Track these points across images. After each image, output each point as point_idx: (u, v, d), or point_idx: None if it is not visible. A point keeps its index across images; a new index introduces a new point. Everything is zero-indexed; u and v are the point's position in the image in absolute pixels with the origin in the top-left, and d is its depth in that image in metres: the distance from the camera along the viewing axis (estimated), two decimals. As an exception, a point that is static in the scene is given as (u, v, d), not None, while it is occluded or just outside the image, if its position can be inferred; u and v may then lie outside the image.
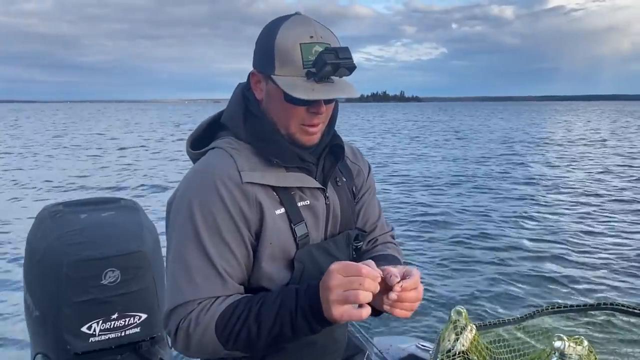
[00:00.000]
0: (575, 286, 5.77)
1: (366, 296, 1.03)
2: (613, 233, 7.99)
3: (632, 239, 7.64)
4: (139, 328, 2.11)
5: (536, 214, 9.40)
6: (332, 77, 1.17)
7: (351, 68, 1.16)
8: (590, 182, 13.21)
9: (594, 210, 9.72)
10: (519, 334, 1.53)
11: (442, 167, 16.84)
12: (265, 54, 1.20)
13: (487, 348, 1.46)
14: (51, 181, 13.78)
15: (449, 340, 1.42)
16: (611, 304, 1.53)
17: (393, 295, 1.07)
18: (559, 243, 7.44)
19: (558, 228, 8.33)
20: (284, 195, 1.24)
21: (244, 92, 1.31)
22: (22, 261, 2.19)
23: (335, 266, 1.06)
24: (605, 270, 6.26)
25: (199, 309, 1.14)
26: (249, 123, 1.28)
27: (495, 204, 10.47)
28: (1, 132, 35.33)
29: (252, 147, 1.26)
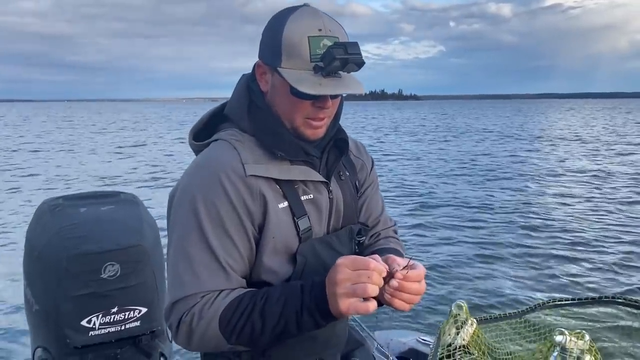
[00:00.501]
0: (577, 280, 5.78)
1: (374, 289, 1.02)
2: (614, 227, 7.99)
3: (633, 233, 7.64)
4: (138, 322, 2.11)
5: (538, 209, 9.40)
6: (340, 72, 1.15)
7: (360, 64, 1.14)
8: (590, 178, 13.20)
9: (596, 205, 9.71)
10: (520, 328, 1.53)
11: (441, 163, 16.84)
12: (272, 45, 1.17)
13: (487, 342, 1.46)
14: (50, 176, 13.78)
15: (449, 335, 1.41)
16: (612, 297, 1.52)
17: (394, 282, 1.06)
18: (560, 237, 7.45)
19: (560, 222, 8.33)
20: (287, 188, 1.23)
21: (249, 84, 1.29)
22: (22, 255, 2.19)
23: (342, 260, 1.05)
24: (607, 265, 6.26)
25: (202, 303, 1.13)
26: (253, 115, 1.26)
27: (496, 199, 10.47)
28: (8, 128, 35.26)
29: (256, 139, 1.24)
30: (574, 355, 1.23)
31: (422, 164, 16.69)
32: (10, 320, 4.63)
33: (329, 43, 1.13)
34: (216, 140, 1.26)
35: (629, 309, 1.50)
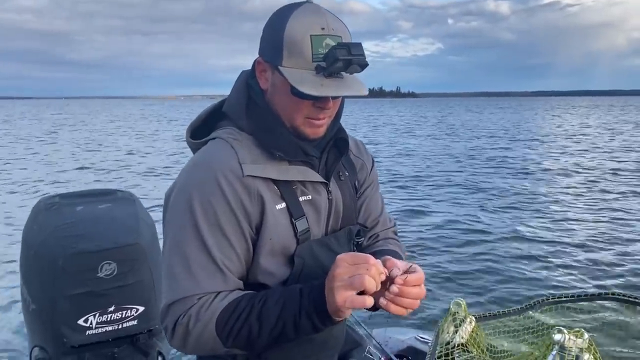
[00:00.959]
0: (577, 276, 5.78)
1: (371, 282, 1.00)
2: (613, 224, 7.99)
3: (632, 229, 7.65)
4: (136, 321, 2.10)
5: (537, 206, 9.41)
6: (342, 72, 1.12)
7: (363, 65, 1.11)
8: (588, 175, 13.22)
9: (595, 202, 9.72)
10: (518, 326, 1.52)
11: (439, 162, 16.84)
12: (273, 43, 1.14)
13: (486, 340, 1.45)
14: (47, 173, 13.75)
15: (448, 333, 1.40)
16: (612, 293, 1.51)
17: (394, 287, 1.04)
18: (558, 235, 7.45)
19: (558, 219, 8.34)
20: (285, 189, 1.21)
21: (248, 81, 1.26)
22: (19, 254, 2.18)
23: (342, 255, 1.04)
24: (607, 261, 6.26)
25: (199, 305, 1.11)
26: (251, 113, 1.23)
27: (495, 197, 10.47)
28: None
29: (254, 138, 1.22)
30: (573, 353, 1.22)
31: (419, 161, 16.70)
32: (7, 320, 4.61)
33: (332, 42, 1.10)
34: (214, 138, 1.24)
35: (629, 305, 1.50)
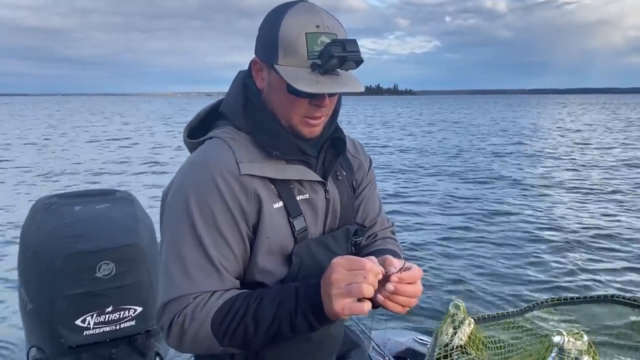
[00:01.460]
0: (576, 279, 5.77)
1: (369, 290, 1.00)
2: (613, 226, 7.99)
3: (632, 231, 7.65)
4: (134, 321, 2.10)
5: (536, 208, 9.40)
6: (338, 69, 1.12)
7: (358, 62, 1.12)
8: (586, 173, 13.23)
9: (594, 203, 9.73)
10: (518, 328, 1.52)
11: (437, 159, 16.85)
12: (268, 42, 1.15)
13: (484, 342, 1.45)
14: (45, 172, 13.75)
15: (447, 334, 1.40)
16: (611, 296, 1.52)
17: (390, 286, 1.04)
18: (559, 237, 7.44)
19: (557, 222, 8.34)
20: (283, 188, 1.21)
21: (245, 81, 1.27)
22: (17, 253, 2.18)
23: (338, 260, 1.03)
24: (606, 264, 6.26)
25: (194, 304, 1.11)
26: (248, 113, 1.23)
27: (494, 197, 10.48)
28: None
29: (252, 138, 1.22)
30: (572, 356, 1.22)
31: (416, 159, 16.71)
32: (5, 320, 4.60)
33: (327, 40, 1.11)
34: (211, 138, 1.24)
35: (628, 308, 1.50)
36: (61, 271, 1.97)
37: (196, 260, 1.13)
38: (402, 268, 1.07)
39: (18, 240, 2.19)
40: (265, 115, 1.22)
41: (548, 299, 1.55)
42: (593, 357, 1.24)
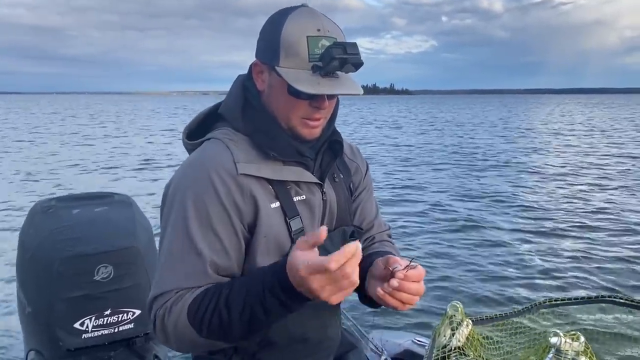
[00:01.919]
0: (573, 280, 5.78)
1: (355, 281, 0.96)
2: (613, 227, 7.99)
3: (631, 232, 7.66)
4: (132, 324, 2.10)
5: (534, 208, 9.41)
6: (338, 72, 1.15)
7: (358, 64, 1.15)
8: (587, 176, 13.25)
9: (594, 204, 9.74)
10: (515, 329, 1.53)
11: (435, 158, 16.86)
12: (270, 44, 1.18)
13: (482, 344, 1.45)
14: (43, 173, 13.71)
15: (444, 336, 1.41)
16: (609, 297, 1.52)
17: (394, 282, 1.06)
18: (557, 237, 7.45)
19: (556, 222, 8.34)
20: (280, 188, 1.23)
21: (245, 83, 1.29)
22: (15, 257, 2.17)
23: (302, 271, 0.96)
24: (605, 264, 6.27)
25: (174, 298, 1.13)
26: (247, 115, 1.26)
27: (492, 197, 10.48)
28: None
29: (250, 139, 1.24)
30: (569, 356, 1.23)
31: (415, 160, 16.70)
32: (3, 323, 4.59)
33: (327, 43, 1.13)
34: (209, 139, 1.26)
35: (626, 308, 1.50)
36: (59, 274, 1.97)
37: (185, 257, 1.15)
38: (408, 266, 1.09)
39: (16, 243, 2.19)
40: (265, 117, 1.24)
41: (545, 299, 1.56)
42: (590, 358, 1.25)
